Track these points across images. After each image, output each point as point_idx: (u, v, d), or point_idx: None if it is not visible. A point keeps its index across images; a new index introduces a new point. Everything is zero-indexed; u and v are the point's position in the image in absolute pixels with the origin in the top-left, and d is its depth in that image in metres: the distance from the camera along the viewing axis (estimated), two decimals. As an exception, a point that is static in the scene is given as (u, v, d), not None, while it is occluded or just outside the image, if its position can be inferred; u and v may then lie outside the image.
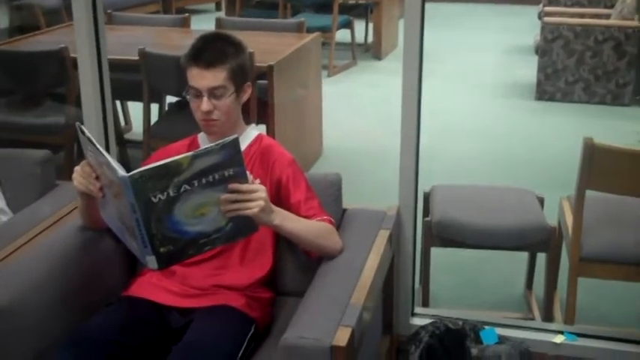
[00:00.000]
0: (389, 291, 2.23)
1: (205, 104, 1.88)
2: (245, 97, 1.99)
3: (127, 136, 4.55)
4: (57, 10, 7.13)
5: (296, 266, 2.07)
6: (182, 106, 3.84)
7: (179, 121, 3.70)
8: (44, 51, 3.79)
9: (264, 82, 3.64)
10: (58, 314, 1.84)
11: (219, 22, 4.69)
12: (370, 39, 7.14)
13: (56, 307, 1.84)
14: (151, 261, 1.66)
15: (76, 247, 1.98)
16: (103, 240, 2.01)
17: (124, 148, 4.24)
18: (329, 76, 6.20)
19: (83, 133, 1.74)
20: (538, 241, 2.61)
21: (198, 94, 1.89)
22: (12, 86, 3.91)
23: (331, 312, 1.68)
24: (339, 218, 2.13)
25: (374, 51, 7.00)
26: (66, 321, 1.85)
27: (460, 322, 2.12)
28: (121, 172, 1.58)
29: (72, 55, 3.61)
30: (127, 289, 1.95)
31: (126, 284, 1.99)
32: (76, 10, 2.55)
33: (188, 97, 1.93)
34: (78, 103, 3.52)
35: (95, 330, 1.75)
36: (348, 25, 6.69)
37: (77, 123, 1.78)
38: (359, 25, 7.00)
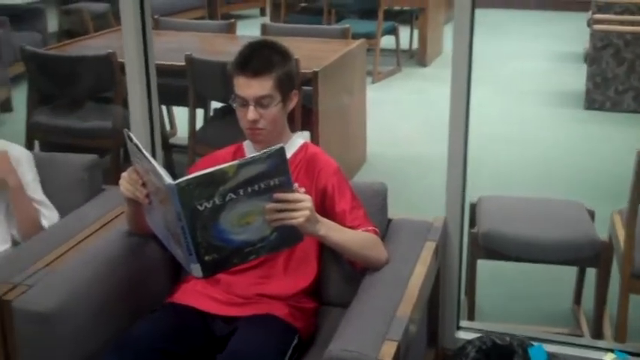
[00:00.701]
0: (434, 304, 2.19)
1: (251, 113, 1.87)
2: (291, 105, 1.98)
3: (171, 140, 4.58)
4: (104, 15, 7.25)
5: (340, 276, 2.04)
6: (227, 112, 3.85)
7: (224, 127, 3.72)
8: (92, 56, 3.84)
9: (309, 88, 3.63)
10: (103, 320, 1.85)
11: (264, 28, 4.70)
12: (415, 45, 7.09)
13: (101, 313, 1.84)
14: (196, 269, 1.65)
15: (122, 252, 1.99)
16: (148, 246, 2.02)
17: (169, 152, 4.27)
18: (373, 82, 6.17)
19: (131, 140, 1.74)
20: (588, 255, 2.54)
21: (245, 103, 1.88)
22: (61, 90, 3.96)
23: (376, 325, 1.65)
24: (384, 228, 2.10)
25: (418, 57, 6.95)
26: (111, 327, 1.86)
27: (507, 338, 2.07)
28: (168, 179, 1.58)
29: (119, 59, 3.66)
30: (171, 296, 1.95)
31: (170, 291, 1.99)
32: (125, 16, 2.57)
33: (234, 104, 1.92)
34: (125, 108, 3.57)
35: (140, 337, 1.75)
36: (393, 31, 6.65)
37: (125, 130, 1.79)
38: (404, 32, 6.96)
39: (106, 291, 1.87)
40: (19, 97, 5.28)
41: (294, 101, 1.98)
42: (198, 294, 1.91)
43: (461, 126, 2.23)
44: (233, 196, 1.60)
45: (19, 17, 6.33)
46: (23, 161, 2.27)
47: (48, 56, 3.98)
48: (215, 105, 4.15)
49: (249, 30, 5.73)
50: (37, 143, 4.00)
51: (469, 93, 2.21)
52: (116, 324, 1.87)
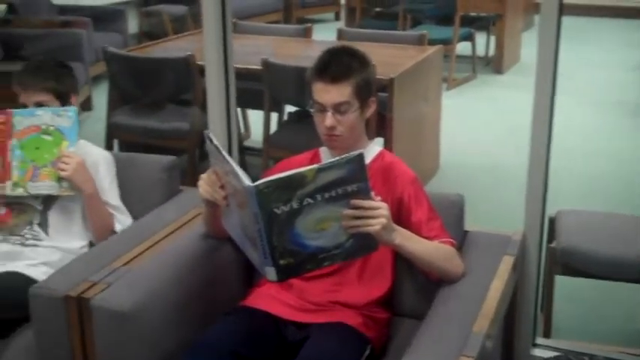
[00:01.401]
0: (510, 320, 2.14)
1: (329, 119, 1.86)
2: (369, 112, 1.96)
3: (245, 143, 4.62)
4: (183, 18, 7.39)
5: (414, 287, 2.01)
6: (301, 117, 3.86)
7: (298, 131, 3.73)
8: (172, 58, 3.91)
9: (384, 94, 3.60)
10: (179, 320, 1.87)
11: (340, 33, 4.69)
12: (491, 52, 6.98)
13: (177, 313, 1.86)
14: (271, 272, 1.65)
15: (199, 253, 2.01)
16: (223, 248, 2.03)
17: (243, 155, 4.31)
18: (447, 89, 6.09)
19: (211, 141, 1.75)
20: (672, 275, 2.43)
21: (323, 109, 1.88)
22: (140, 91, 4.05)
23: (452, 340, 1.62)
24: (461, 240, 2.06)
25: (495, 65, 6.83)
26: (185, 328, 1.88)
27: (586, 358, 2.00)
28: (247, 181, 1.59)
29: (198, 62, 3.71)
30: (244, 299, 1.96)
31: (244, 294, 2.00)
32: (207, 19, 2.60)
33: (312, 110, 1.91)
34: (201, 110, 3.62)
35: (216, 339, 1.76)
36: (470, 37, 6.56)
37: (206, 131, 1.80)
38: (480, 38, 6.85)
39: (183, 292, 1.89)
40: (99, 96, 5.43)
41: (372, 108, 1.96)
42: (272, 299, 1.91)
43: (543, 136, 2.17)
44: (310, 200, 1.59)
45: (100, 18, 6.50)
46: (101, 165, 2.31)
47: (129, 57, 4.07)
48: (289, 109, 4.17)
49: (324, 34, 5.73)
50: (116, 142, 4.10)
51: (553, 103, 2.15)
52: (191, 325, 1.89)
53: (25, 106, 2.24)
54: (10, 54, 5.55)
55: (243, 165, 4.18)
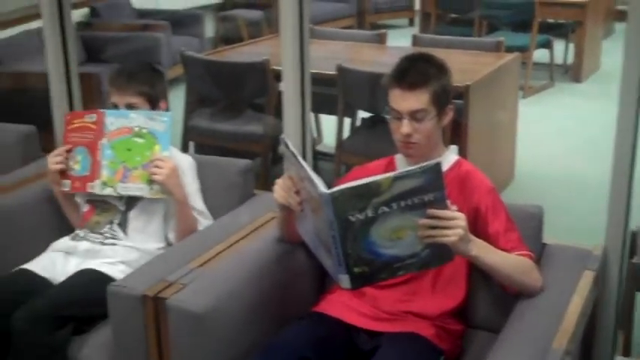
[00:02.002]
0: (589, 336, 2.07)
1: (406, 127, 1.85)
2: (447, 120, 1.94)
3: (317, 148, 4.63)
4: (258, 23, 7.47)
5: (490, 299, 1.97)
6: (374, 123, 3.85)
7: (370, 137, 3.72)
8: (248, 62, 3.95)
9: (459, 102, 3.55)
10: (252, 323, 1.88)
11: (415, 39, 4.66)
12: (570, 60, 6.80)
13: (250, 316, 1.88)
14: (344, 280, 1.65)
15: (272, 257, 2.02)
16: (296, 253, 2.03)
17: (315, 160, 4.33)
18: (524, 97, 5.96)
19: (287, 146, 1.76)
20: None
21: (399, 116, 1.86)
22: (216, 94, 4.11)
23: (530, 355, 1.58)
24: (539, 254, 2.00)
25: (573, 73, 6.66)
26: (258, 331, 1.89)
27: (668, 379, 1.92)
28: (323, 188, 1.59)
29: (272, 67, 3.74)
30: (316, 305, 1.96)
31: (316, 300, 2.00)
32: (284, 24, 2.61)
33: (388, 117, 1.90)
34: (275, 114, 3.65)
35: (288, 343, 1.77)
36: (547, 44, 6.41)
37: (282, 136, 1.82)
38: (558, 45, 6.69)
39: (256, 295, 1.91)
40: (176, 99, 5.54)
41: (449, 116, 1.94)
42: (344, 306, 1.90)
43: (627, 147, 2.09)
44: (386, 209, 1.58)
45: (179, 22, 6.64)
46: (188, 171, 2.34)
47: (206, 61, 4.13)
48: (362, 114, 4.16)
49: (398, 40, 5.70)
50: (191, 144, 4.17)
51: (638, 112, 2.07)
52: (263, 329, 1.90)
53: (115, 107, 2.29)
54: (91, 56, 5.72)
55: (315, 170, 4.18)
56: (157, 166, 2.19)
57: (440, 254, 1.66)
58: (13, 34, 5.05)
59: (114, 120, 2.22)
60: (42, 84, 3.18)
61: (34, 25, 4.49)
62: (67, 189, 2.30)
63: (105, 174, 2.23)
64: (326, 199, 1.57)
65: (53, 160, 2.29)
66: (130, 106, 2.27)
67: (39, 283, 2.15)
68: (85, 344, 2.01)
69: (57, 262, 2.24)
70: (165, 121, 2.21)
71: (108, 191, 2.24)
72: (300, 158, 1.70)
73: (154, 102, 2.32)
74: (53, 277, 2.18)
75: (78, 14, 6.37)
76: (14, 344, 1.97)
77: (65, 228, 2.40)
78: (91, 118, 2.23)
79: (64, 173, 2.29)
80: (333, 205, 1.56)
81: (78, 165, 2.26)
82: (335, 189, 1.57)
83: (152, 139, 2.21)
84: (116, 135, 2.22)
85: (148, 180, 2.21)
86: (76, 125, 2.25)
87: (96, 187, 2.24)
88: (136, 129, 2.21)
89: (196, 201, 2.31)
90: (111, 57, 5.61)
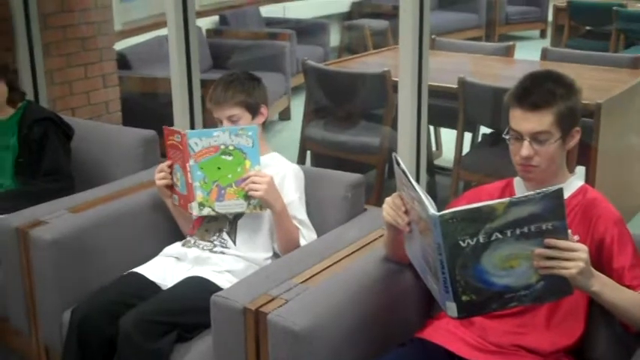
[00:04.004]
0: None
1: (526, 149, 1.73)
2: (572, 143, 1.80)
3: (436, 161, 4.53)
4: (384, 32, 7.43)
5: (610, 338, 1.81)
6: (496, 140, 3.70)
7: (491, 155, 3.59)
8: (368, 73, 3.92)
9: (589, 120, 3.35)
10: (350, 346, 1.83)
11: (544, 53, 4.47)
12: None
13: (349, 339, 1.82)
14: (451, 308, 1.57)
15: (377, 278, 1.95)
16: (403, 275, 1.96)
17: (433, 174, 4.22)
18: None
19: (398, 164, 1.69)
20: None
21: (519, 137, 1.75)
22: (335, 104, 4.10)
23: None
24: (669, 292, 1.83)
25: None
26: (356, 355, 1.83)
27: None
28: (432, 210, 1.51)
29: (393, 78, 3.68)
30: (421, 330, 1.87)
31: (420, 324, 1.91)
32: (403, 34, 2.56)
33: (507, 137, 1.79)
34: (393, 126, 3.59)
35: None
36: (691, 61, 5.98)
37: (394, 154, 1.75)
38: None
39: (358, 315, 1.85)
40: (298, 106, 5.59)
41: (575, 139, 1.81)
42: (450, 334, 1.81)
43: None
44: (499, 235, 1.49)
45: (304, 31, 6.71)
46: (291, 179, 2.31)
47: (326, 71, 4.14)
48: (484, 130, 4.02)
49: (528, 53, 5.48)
50: (308, 153, 4.18)
51: None
52: (363, 352, 1.84)
53: (219, 121, 2.29)
54: (217, 63, 5.87)
55: (432, 185, 4.09)
56: (254, 182, 2.16)
57: (557, 288, 1.55)
58: (144, 40, 5.26)
59: (198, 140, 2.18)
60: (166, 89, 3.28)
61: (164, 32, 4.65)
62: (176, 203, 2.33)
63: (199, 195, 2.22)
64: (435, 222, 1.49)
65: (158, 176, 2.32)
66: (232, 119, 2.27)
67: (148, 287, 2.18)
68: (187, 352, 2.02)
69: (167, 268, 2.27)
70: (251, 136, 2.16)
71: (206, 211, 2.23)
72: (410, 178, 1.64)
73: (254, 109, 2.31)
74: (162, 282, 2.21)
75: (208, 21, 6.56)
76: (119, 347, 2.01)
77: (177, 233, 2.44)
78: (177, 138, 2.21)
79: (171, 187, 2.32)
80: (442, 228, 1.49)
81: (179, 182, 2.27)
82: (445, 212, 1.50)
83: (240, 155, 2.18)
84: (203, 155, 2.19)
85: (244, 195, 2.19)
86: (170, 142, 2.25)
87: (194, 209, 2.23)
88: (222, 147, 2.17)
89: (298, 210, 2.28)
90: (236, 64, 5.74)
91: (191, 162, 2.19)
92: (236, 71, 2.37)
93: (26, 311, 2.37)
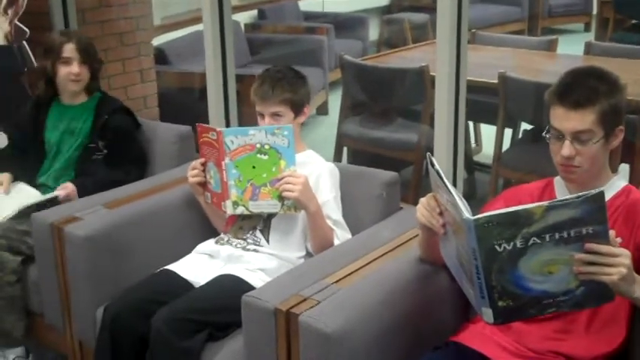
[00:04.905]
0: None
1: (567, 149, 1.67)
2: (615, 142, 1.74)
3: (475, 157, 4.45)
4: (424, 26, 7.34)
5: (653, 345, 1.75)
6: (537, 136, 3.62)
7: (531, 152, 3.50)
8: (405, 68, 3.87)
9: (633, 116, 3.25)
10: (383, 349, 1.79)
11: (588, 47, 4.35)
12: None
13: (381, 341, 1.78)
14: (487, 313, 1.53)
15: (411, 279, 1.91)
16: (438, 276, 1.91)
17: (472, 171, 4.15)
18: None
19: (433, 165, 1.65)
20: None
21: (560, 136, 1.69)
22: (372, 99, 4.05)
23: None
24: None
25: None
26: (389, 356, 1.79)
27: None
28: (467, 214, 1.47)
29: (431, 73, 3.62)
30: (456, 334, 1.83)
31: (455, 328, 1.87)
32: (440, 28, 2.50)
33: (547, 136, 1.73)
34: (430, 123, 3.53)
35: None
36: None
37: (428, 154, 1.70)
38: None
39: (392, 318, 1.81)
40: (336, 101, 5.55)
41: (619, 138, 1.74)
42: (486, 338, 1.76)
43: None
44: (537, 240, 1.44)
45: (343, 25, 6.66)
46: (327, 178, 2.28)
47: (362, 66, 4.10)
48: (525, 126, 3.94)
49: (571, 47, 5.36)
50: (345, 149, 4.14)
51: None
52: (396, 355, 1.80)
53: (261, 116, 2.28)
54: (255, 57, 5.87)
55: (471, 182, 4.02)
56: (288, 183, 2.13)
57: (597, 293, 1.50)
58: (182, 35, 5.28)
59: (233, 138, 2.16)
60: (203, 84, 3.27)
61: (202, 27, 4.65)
62: (209, 201, 2.31)
63: (234, 193, 2.20)
64: (469, 226, 1.45)
65: (190, 174, 2.31)
66: (275, 115, 2.25)
67: (181, 284, 2.17)
68: (218, 351, 2.01)
69: (200, 265, 2.26)
70: (287, 135, 2.12)
71: (240, 210, 2.21)
72: (445, 179, 1.59)
73: (298, 108, 2.28)
74: (195, 280, 2.20)
75: (247, 16, 6.56)
76: (151, 345, 2.00)
77: (211, 230, 2.43)
78: (212, 135, 2.19)
79: (204, 185, 2.30)
80: (477, 232, 1.44)
81: (212, 180, 2.26)
82: (480, 215, 1.45)
83: (276, 154, 2.14)
84: (239, 153, 2.17)
85: (278, 196, 2.16)
86: (204, 139, 2.23)
87: (228, 207, 2.22)
88: (258, 145, 2.14)
89: (333, 210, 2.25)
90: (274, 58, 5.72)
91: (226, 160, 2.17)
92: (282, 67, 2.33)
93: (60, 307, 2.38)
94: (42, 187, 2.79)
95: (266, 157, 2.15)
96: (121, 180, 2.70)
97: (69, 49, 2.71)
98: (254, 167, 2.17)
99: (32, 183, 2.80)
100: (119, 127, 2.80)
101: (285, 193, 2.14)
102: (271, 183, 2.16)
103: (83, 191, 2.65)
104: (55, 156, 2.82)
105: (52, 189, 2.71)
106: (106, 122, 2.78)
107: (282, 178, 2.14)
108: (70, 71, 2.72)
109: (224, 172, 2.18)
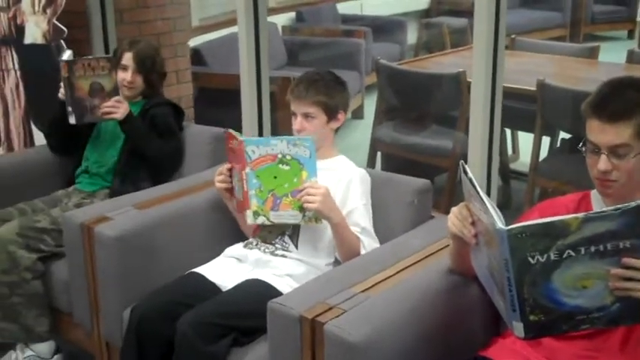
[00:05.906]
0: None
1: (603, 163, 1.62)
2: (655, 156, 1.67)
3: (512, 165, 4.38)
4: (463, 30, 7.27)
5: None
6: (575, 146, 3.53)
7: (570, 162, 3.43)
8: (441, 73, 3.83)
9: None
10: (411, 359, 1.75)
11: (630, 56, 4.25)
12: None
13: (408, 354, 1.74)
14: (518, 328, 1.49)
15: (440, 290, 1.87)
16: (468, 288, 1.87)
17: (508, 180, 4.08)
18: None
19: (466, 173, 1.61)
20: None
21: (597, 150, 1.63)
22: (406, 104, 4.02)
23: None
24: None
25: None
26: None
27: None
28: (499, 224, 1.43)
29: (468, 79, 3.57)
30: (485, 349, 1.78)
31: (485, 342, 1.82)
32: (477, 33, 2.46)
33: (584, 149, 1.68)
34: (466, 130, 3.48)
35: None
36: None
37: (461, 162, 1.66)
38: None
39: (419, 329, 1.77)
40: (372, 105, 5.51)
41: (659, 152, 1.67)
42: (516, 354, 1.71)
43: None
44: (572, 253, 1.40)
45: (381, 29, 6.63)
46: (357, 185, 2.25)
47: (398, 70, 4.06)
48: (563, 135, 3.86)
49: (613, 55, 5.25)
50: (379, 154, 4.11)
51: None
52: (423, 367, 1.76)
53: (294, 115, 2.26)
54: (292, 60, 5.86)
55: (506, 191, 3.95)
56: (309, 194, 2.11)
57: (634, 311, 1.45)
58: (219, 37, 5.29)
59: (255, 148, 2.14)
60: (238, 86, 3.26)
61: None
62: (234, 206, 2.30)
63: (254, 203, 2.18)
64: (502, 236, 1.41)
65: (217, 179, 2.30)
66: (307, 116, 2.23)
67: (208, 288, 2.16)
68: (243, 356, 1.99)
69: (228, 269, 2.25)
70: (308, 147, 2.10)
71: (260, 220, 2.19)
72: (478, 188, 1.55)
73: (331, 112, 2.26)
74: (222, 284, 2.18)
75: (284, 18, 6.56)
76: (177, 348, 1.99)
77: (239, 234, 2.42)
78: (235, 144, 2.18)
79: (231, 190, 2.28)
80: (510, 243, 1.41)
81: (236, 187, 2.24)
82: (513, 226, 1.41)
83: (297, 165, 2.12)
84: (260, 163, 2.14)
85: (300, 207, 2.14)
86: (230, 146, 2.22)
87: (249, 217, 2.20)
88: (280, 156, 2.12)
89: (362, 218, 2.21)
90: (311, 61, 5.72)
91: (247, 170, 2.16)
92: (323, 71, 2.33)
93: (89, 307, 2.39)
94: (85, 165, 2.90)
95: (288, 168, 2.13)
96: (160, 149, 2.78)
97: (127, 57, 2.83)
98: (275, 177, 2.15)
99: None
100: (155, 115, 2.85)
101: (306, 205, 2.11)
102: (293, 194, 2.14)
103: (131, 122, 2.73)
104: (111, 147, 2.87)
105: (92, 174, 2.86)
106: (147, 112, 2.85)
107: (304, 190, 2.12)
108: (124, 77, 2.83)
109: (244, 181, 2.17)
